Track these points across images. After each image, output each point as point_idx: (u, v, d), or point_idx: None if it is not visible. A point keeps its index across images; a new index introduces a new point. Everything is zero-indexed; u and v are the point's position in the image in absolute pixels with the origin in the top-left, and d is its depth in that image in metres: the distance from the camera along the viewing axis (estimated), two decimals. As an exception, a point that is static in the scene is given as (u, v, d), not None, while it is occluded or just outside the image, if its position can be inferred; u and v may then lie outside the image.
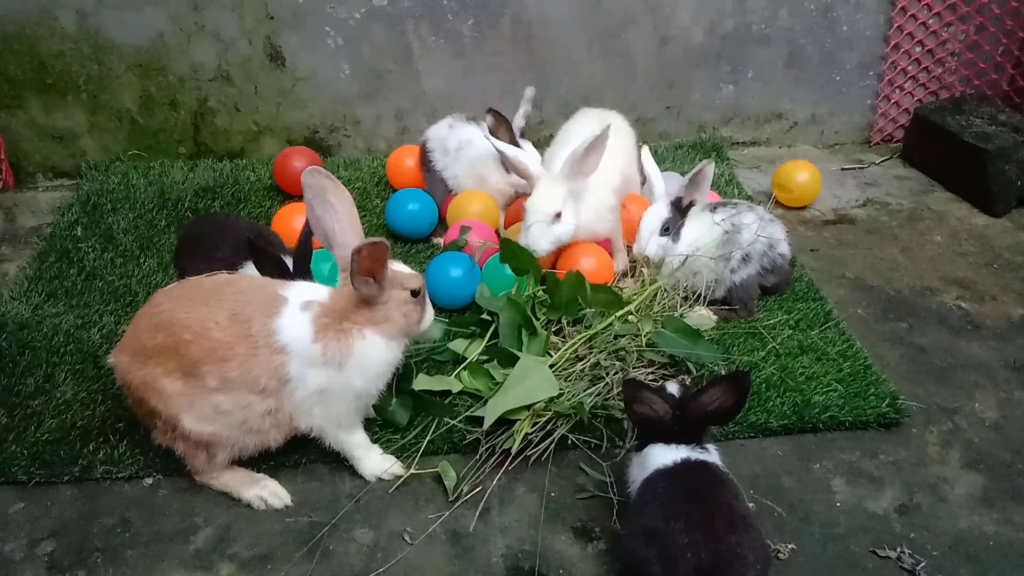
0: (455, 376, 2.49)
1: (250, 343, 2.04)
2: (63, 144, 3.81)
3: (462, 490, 2.23)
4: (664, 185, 2.96)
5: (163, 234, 3.31)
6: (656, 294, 2.67)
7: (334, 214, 2.19)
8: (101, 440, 2.34)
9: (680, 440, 1.93)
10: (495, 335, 2.55)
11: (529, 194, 2.74)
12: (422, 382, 2.44)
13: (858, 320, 2.93)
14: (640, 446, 2.00)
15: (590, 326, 2.53)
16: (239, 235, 2.60)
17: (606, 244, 3.00)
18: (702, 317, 2.75)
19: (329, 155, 3.96)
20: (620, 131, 3.09)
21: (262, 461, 2.28)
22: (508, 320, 2.51)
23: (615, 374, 2.39)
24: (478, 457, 2.30)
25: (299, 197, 2.23)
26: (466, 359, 2.52)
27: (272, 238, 2.81)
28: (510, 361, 2.42)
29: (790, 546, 2.10)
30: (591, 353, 2.47)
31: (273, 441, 2.19)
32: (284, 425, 2.17)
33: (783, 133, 4.19)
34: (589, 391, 2.34)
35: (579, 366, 2.44)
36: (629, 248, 2.99)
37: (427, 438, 2.35)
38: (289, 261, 2.43)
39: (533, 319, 2.52)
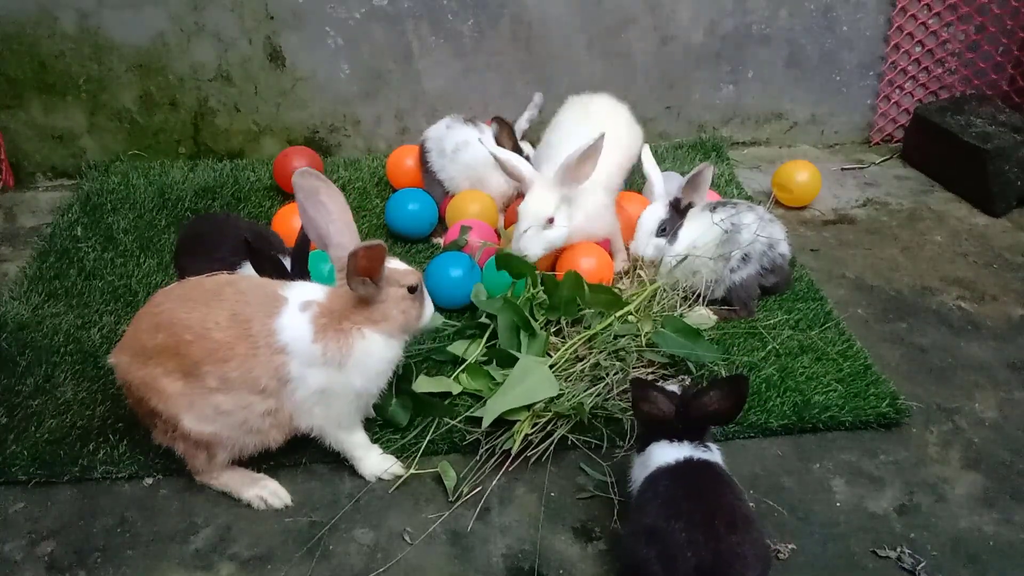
0: (454, 378, 2.48)
1: (250, 343, 2.04)
2: (63, 144, 3.81)
3: (462, 490, 2.23)
4: (664, 185, 2.96)
5: (163, 234, 3.31)
6: (655, 294, 2.67)
7: (327, 215, 2.17)
8: (101, 440, 2.34)
9: (683, 437, 1.94)
10: (494, 336, 2.56)
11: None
12: (423, 384, 2.44)
13: (858, 320, 2.93)
14: (643, 445, 2.00)
15: (590, 326, 2.53)
16: (239, 235, 2.60)
17: (606, 244, 3.00)
18: (702, 317, 2.75)
19: (329, 155, 3.96)
20: (616, 116, 3.07)
21: (262, 461, 2.28)
22: (506, 322, 2.51)
23: (615, 374, 2.39)
24: (478, 457, 2.30)
25: (298, 198, 2.22)
26: (465, 360, 2.52)
27: (272, 238, 2.81)
28: (509, 362, 2.42)
29: (790, 546, 2.10)
30: (591, 353, 2.47)
31: (273, 441, 2.19)
32: (284, 425, 2.17)
33: (783, 133, 4.20)
34: (589, 391, 2.34)
35: (579, 366, 2.44)
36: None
37: (427, 438, 2.35)
38: (287, 262, 2.43)
39: (532, 320, 2.52)
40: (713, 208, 2.87)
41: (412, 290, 2.19)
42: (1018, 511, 2.22)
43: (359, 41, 3.72)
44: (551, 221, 2.68)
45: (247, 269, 2.50)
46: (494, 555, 2.09)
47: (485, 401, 2.35)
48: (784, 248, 2.90)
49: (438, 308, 2.81)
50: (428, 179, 3.36)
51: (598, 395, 2.34)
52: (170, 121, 3.82)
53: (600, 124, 2.81)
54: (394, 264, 2.19)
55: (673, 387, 2.05)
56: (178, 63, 3.69)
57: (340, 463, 2.31)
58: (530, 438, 2.29)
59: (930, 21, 3.89)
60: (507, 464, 2.28)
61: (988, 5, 3.85)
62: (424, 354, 2.60)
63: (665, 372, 2.52)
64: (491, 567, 2.06)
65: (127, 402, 2.22)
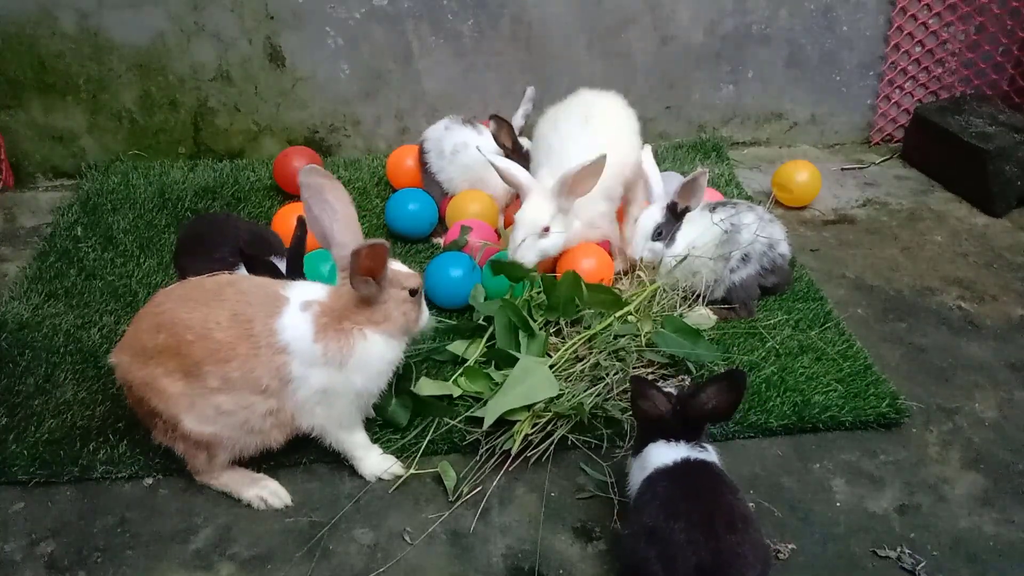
0: (453, 381, 2.48)
1: (252, 343, 2.04)
2: (63, 144, 3.81)
3: (462, 490, 2.23)
4: (662, 187, 2.95)
5: (163, 234, 3.31)
6: (655, 294, 2.67)
7: (332, 213, 2.17)
8: (101, 440, 2.34)
9: (680, 437, 1.93)
10: (494, 336, 2.55)
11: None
12: (424, 387, 2.44)
13: (858, 320, 2.93)
14: (639, 447, 2.00)
15: (589, 326, 2.53)
16: (239, 235, 2.60)
17: (606, 245, 2.99)
18: (702, 317, 2.75)
19: (329, 155, 3.96)
20: (620, 123, 3.04)
21: (262, 461, 2.28)
22: (503, 322, 2.51)
23: (615, 374, 2.39)
24: (478, 457, 2.30)
25: (299, 197, 2.22)
26: (465, 360, 2.52)
27: (271, 238, 2.81)
28: (508, 363, 2.42)
29: (790, 546, 2.10)
30: (591, 354, 2.47)
31: (274, 441, 2.19)
32: (286, 425, 2.17)
33: (783, 133, 4.20)
34: (589, 391, 2.34)
35: (579, 367, 2.44)
36: (629, 249, 2.99)
37: (427, 438, 2.35)
38: (281, 264, 2.43)
39: (530, 321, 2.52)
40: (713, 208, 2.87)
41: (413, 293, 2.19)
42: (1018, 511, 2.22)
43: (359, 41, 3.72)
44: (547, 230, 2.69)
45: (245, 269, 2.50)
46: (494, 555, 2.09)
47: (485, 401, 2.35)
48: (784, 248, 2.90)
49: (438, 308, 2.82)
50: (427, 180, 3.36)
51: (598, 395, 2.34)
52: (170, 121, 3.82)
53: (603, 132, 2.80)
54: (396, 266, 2.20)
55: (671, 389, 2.05)
56: (178, 63, 3.68)
57: (340, 463, 2.31)
58: (530, 438, 2.29)
59: (930, 21, 3.89)
60: (507, 464, 2.28)
61: (988, 5, 3.85)
62: (424, 354, 2.60)
63: (665, 372, 2.52)
64: (491, 567, 2.06)
65: (127, 402, 2.22)
